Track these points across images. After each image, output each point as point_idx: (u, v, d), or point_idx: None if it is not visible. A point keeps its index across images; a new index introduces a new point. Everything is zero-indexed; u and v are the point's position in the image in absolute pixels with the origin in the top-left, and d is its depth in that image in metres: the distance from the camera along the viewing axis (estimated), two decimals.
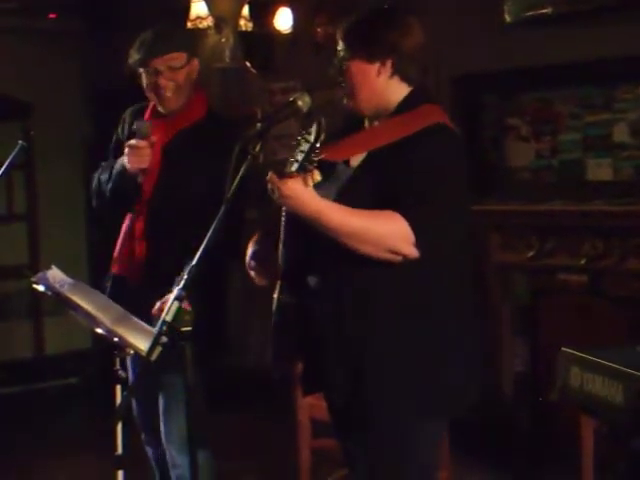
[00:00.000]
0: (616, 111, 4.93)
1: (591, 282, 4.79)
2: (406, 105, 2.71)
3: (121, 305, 3.14)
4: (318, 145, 2.47)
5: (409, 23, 2.73)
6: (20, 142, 3.75)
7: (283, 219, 2.73)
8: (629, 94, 4.88)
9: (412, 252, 2.56)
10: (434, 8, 5.19)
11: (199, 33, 6.90)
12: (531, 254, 5.00)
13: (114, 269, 3.70)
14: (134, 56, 3.60)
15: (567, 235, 4.86)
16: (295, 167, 2.50)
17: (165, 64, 3.55)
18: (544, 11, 5.03)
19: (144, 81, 3.62)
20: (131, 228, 3.64)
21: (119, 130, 3.82)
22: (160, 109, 3.65)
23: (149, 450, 3.89)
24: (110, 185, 3.65)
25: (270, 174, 2.55)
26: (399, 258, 2.57)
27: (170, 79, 3.56)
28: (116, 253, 3.70)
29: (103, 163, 3.79)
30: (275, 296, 2.77)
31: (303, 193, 2.53)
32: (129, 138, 3.63)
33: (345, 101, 2.80)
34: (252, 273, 2.85)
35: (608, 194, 4.88)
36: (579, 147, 5.12)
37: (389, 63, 2.69)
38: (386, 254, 2.57)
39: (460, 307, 2.71)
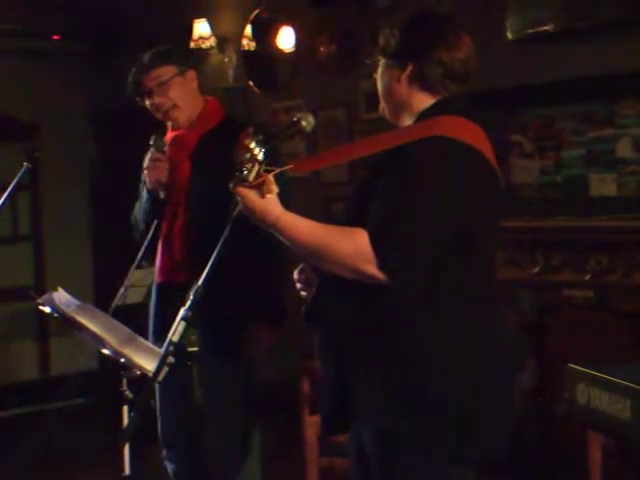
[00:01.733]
0: (619, 126, 4.94)
1: (597, 297, 4.78)
2: (424, 116, 2.58)
3: (173, 308, 3.19)
4: (253, 157, 2.39)
5: (445, 31, 2.62)
6: (25, 164, 3.77)
7: None
8: (632, 109, 4.88)
9: (376, 273, 2.39)
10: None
11: (202, 53, 6.94)
12: (536, 270, 5.00)
13: (158, 279, 3.77)
14: (129, 83, 3.71)
15: (572, 251, 4.85)
16: (252, 175, 2.43)
17: (154, 81, 3.65)
18: (546, 28, 5.04)
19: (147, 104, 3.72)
20: (169, 237, 3.71)
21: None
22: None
23: (169, 465, 3.89)
24: (141, 212, 3.76)
25: (231, 184, 2.47)
26: (365, 279, 2.41)
27: (163, 95, 3.66)
28: (158, 264, 3.76)
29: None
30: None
31: (258, 202, 2.43)
32: None
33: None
34: (297, 285, 2.78)
35: (612, 209, 4.88)
36: (583, 163, 5.13)
37: (409, 69, 2.60)
38: (349, 274, 2.43)
39: (476, 343, 2.51)
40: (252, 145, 2.41)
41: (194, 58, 3.77)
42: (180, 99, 3.67)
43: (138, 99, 3.72)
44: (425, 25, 2.65)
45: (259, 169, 2.41)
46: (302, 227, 2.47)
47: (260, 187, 2.42)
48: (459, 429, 2.49)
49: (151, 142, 3.67)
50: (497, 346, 2.58)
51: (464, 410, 2.49)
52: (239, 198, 2.45)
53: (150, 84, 3.65)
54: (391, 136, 2.58)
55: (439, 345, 2.48)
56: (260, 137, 2.44)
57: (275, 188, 2.44)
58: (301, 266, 2.73)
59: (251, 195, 2.43)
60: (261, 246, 3.30)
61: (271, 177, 2.43)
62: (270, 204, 2.45)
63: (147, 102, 3.70)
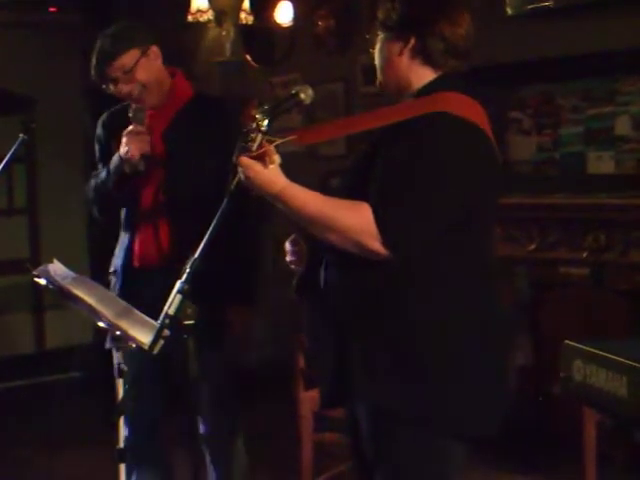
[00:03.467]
0: (618, 104, 4.93)
1: (593, 275, 4.79)
2: (425, 91, 2.58)
3: (148, 294, 3.12)
4: (257, 127, 2.40)
5: (446, 5, 2.61)
6: (21, 135, 3.74)
7: None
8: (631, 87, 4.88)
9: (379, 249, 2.39)
10: None
11: (199, 26, 6.91)
12: (533, 247, 5.00)
13: (136, 263, 3.65)
14: (91, 73, 3.60)
15: (569, 228, 4.86)
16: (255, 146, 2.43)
17: (119, 70, 3.53)
18: (546, 4, 5.02)
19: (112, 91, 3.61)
20: (151, 219, 3.61)
21: (101, 136, 3.84)
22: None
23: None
24: (110, 184, 3.63)
25: (234, 156, 2.47)
26: (367, 253, 2.41)
27: (129, 81, 3.54)
28: (137, 248, 3.64)
29: (94, 172, 3.79)
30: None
31: (262, 173, 2.43)
32: (114, 139, 3.62)
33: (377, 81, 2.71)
34: (288, 258, 2.78)
35: (610, 187, 4.88)
36: (581, 140, 5.12)
37: (412, 42, 2.58)
38: (351, 247, 2.42)
39: (471, 317, 2.52)
40: (257, 115, 2.41)
41: (154, 32, 3.60)
42: (147, 80, 3.55)
43: (104, 87, 3.60)
44: (425, 0, 2.64)
45: (262, 139, 2.41)
46: (306, 199, 2.47)
47: (262, 157, 2.42)
48: (456, 405, 2.49)
49: (130, 114, 3.55)
50: (494, 322, 2.58)
51: (461, 386, 2.49)
52: (241, 169, 2.45)
53: (115, 74, 3.53)
54: (395, 110, 2.57)
55: (437, 321, 2.48)
56: (265, 107, 2.44)
57: (278, 159, 2.44)
58: (293, 237, 2.73)
59: (255, 166, 2.43)
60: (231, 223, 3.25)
61: (273, 147, 2.43)
62: (274, 175, 2.45)
63: (113, 89, 3.58)
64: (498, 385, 2.61)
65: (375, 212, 2.39)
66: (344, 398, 2.60)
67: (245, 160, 2.43)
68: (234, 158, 2.45)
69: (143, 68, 3.55)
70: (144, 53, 3.55)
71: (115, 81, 3.55)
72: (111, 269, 3.80)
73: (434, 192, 2.42)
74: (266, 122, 2.41)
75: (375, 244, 2.39)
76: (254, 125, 2.41)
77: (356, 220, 2.41)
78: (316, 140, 2.66)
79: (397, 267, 2.45)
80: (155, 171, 3.60)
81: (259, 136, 2.41)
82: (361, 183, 2.49)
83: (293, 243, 2.72)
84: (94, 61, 3.58)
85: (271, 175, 2.44)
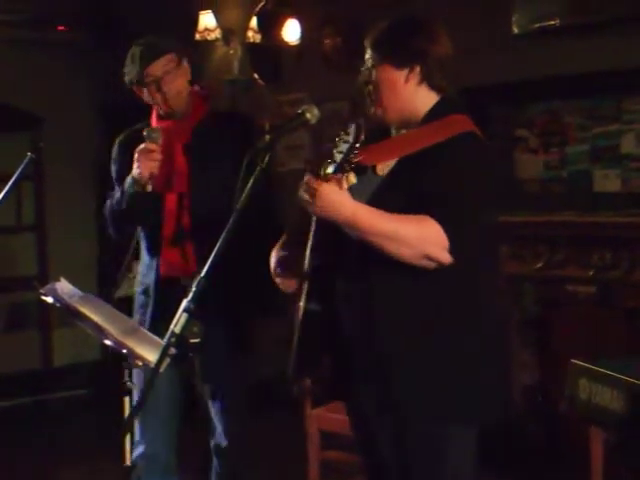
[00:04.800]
0: (624, 122, 4.93)
1: (600, 293, 4.78)
2: (434, 114, 2.68)
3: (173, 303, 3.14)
4: (357, 146, 2.45)
5: (437, 31, 2.70)
6: (29, 154, 3.76)
7: (313, 224, 2.68)
8: (637, 105, 4.88)
9: (446, 258, 2.52)
10: (441, 20, 5.19)
11: (207, 45, 6.94)
12: (540, 265, 4.99)
13: (162, 270, 3.66)
14: (131, 72, 3.61)
15: (576, 246, 4.85)
16: (332, 168, 2.47)
17: (161, 69, 3.56)
18: (552, 23, 5.04)
19: (146, 94, 3.62)
20: (178, 232, 3.63)
21: (116, 156, 3.80)
22: (164, 114, 3.65)
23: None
24: (124, 204, 3.62)
25: (307, 177, 2.53)
26: (433, 264, 2.53)
27: (170, 82, 3.57)
28: (164, 255, 3.65)
29: (110, 193, 3.81)
30: (301, 304, 2.72)
31: (339, 196, 2.51)
32: (129, 159, 3.61)
33: (372, 110, 2.76)
34: (278, 280, 2.82)
35: (616, 205, 4.88)
36: (587, 158, 5.12)
37: (417, 70, 2.67)
38: (422, 260, 2.53)
39: (490, 318, 2.69)
40: (338, 138, 2.45)
41: (188, 48, 3.68)
42: (182, 88, 3.61)
43: (135, 88, 3.63)
44: (421, 26, 2.72)
45: (344, 161, 2.44)
46: (374, 218, 2.54)
47: (339, 180, 2.47)
48: (459, 390, 2.61)
49: (144, 133, 3.55)
50: (500, 327, 2.79)
51: (476, 381, 2.62)
52: (317, 191, 2.50)
53: (157, 72, 3.56)
54: (435, 131, 2.65)
55: (455, 315, 2.62)
56: (352, 129, 2.47)
57: (353, 178, 2.51)
58: (281, 257, 2.77)
59: (328, 189, 2.50)
60: (259, 237, 3.26)
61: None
62: (345, 198, 2.53)
63: (149, 90, 3.60)
64: (504, 379, 2.78)
65: (443, 225, 2.51)
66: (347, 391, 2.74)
67: (321, 185, 2.50)
68: (307, 181, 2.51)
69: (180, 74, 3.61)
70: (180, 61, 3.62)
71: (156, 82, 3.57)
72: (138, 289, 3.80)
73: (482, 205, 2.61)
74: (347, 145, 2.44)
75: (444, 254, 2.53)
76: (332, 149, 2.45)
77: (427, 233, 2.52)
78: (381, 161, 2.72)
79: (450, 275, 2.58)
80: (180, 184, 3.62)
81: (339, 159, 2.44)
82: (396, 198, 2.60)
83: (281, 264, 2.77)
84: (137, 59, 3.59)
85: (342, 199, 2.52)
